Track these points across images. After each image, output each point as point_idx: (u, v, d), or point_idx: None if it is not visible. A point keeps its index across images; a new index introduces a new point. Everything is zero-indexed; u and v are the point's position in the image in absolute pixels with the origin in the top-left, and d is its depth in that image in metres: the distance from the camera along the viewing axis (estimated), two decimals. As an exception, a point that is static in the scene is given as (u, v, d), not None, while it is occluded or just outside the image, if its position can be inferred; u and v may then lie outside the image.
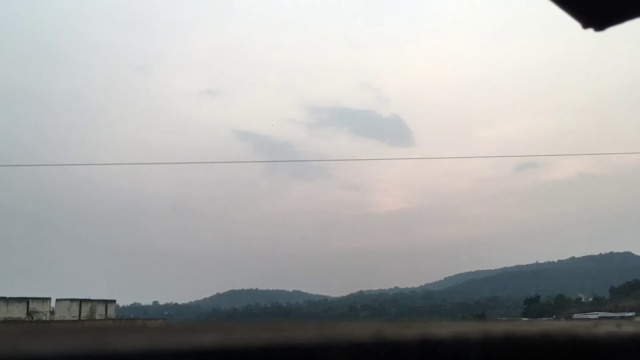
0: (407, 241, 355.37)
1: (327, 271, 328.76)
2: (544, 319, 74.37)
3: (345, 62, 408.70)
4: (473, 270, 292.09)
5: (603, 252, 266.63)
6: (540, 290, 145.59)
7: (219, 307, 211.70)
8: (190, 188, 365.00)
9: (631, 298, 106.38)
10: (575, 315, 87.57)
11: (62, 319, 27.75)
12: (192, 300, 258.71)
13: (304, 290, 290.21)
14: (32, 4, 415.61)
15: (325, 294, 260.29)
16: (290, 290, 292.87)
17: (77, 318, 28.31)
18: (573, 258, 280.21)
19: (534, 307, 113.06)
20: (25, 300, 27.83)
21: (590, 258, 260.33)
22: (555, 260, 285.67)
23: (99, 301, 30.84)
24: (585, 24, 1.26)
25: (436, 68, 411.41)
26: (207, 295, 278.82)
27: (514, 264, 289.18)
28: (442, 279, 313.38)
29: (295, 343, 0.60)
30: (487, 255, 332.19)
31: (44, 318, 27.85)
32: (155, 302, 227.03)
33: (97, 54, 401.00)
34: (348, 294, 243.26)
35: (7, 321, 24.44)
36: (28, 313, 27.32)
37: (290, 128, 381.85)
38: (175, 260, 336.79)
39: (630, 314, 78.66)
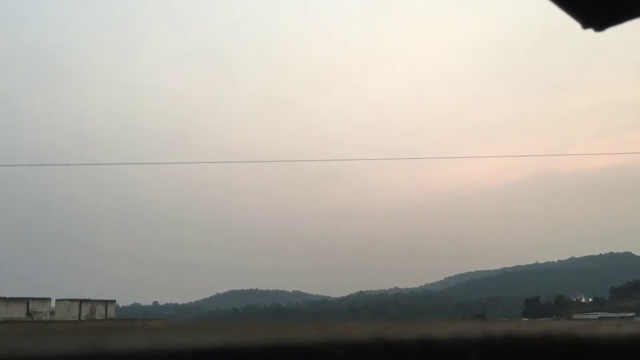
0: (407, 241, 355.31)
1: (327, 271, 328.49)
2: (544, 319, 74.37)
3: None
4: (473, 270, 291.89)
5: (603, 252, 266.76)
6: (540, 290, 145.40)
7: (219, 307, 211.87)
8: (189, 188, 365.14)
9: (631, 298, 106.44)
10: (575, 316, 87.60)
11: (62, 319, 27.68)
12: (192, 300, 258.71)
13: (304, 290, 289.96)
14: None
15: (325, 294, 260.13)
16: (290, 290, 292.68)
17: (77, 318, 28.26)
18: (573, 258, 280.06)
19: (534, 307, 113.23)
20: (25, 300, 27.77)
21: (590, 258, 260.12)
22: (555, 261, 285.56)
23: (99, 301, 30.79)
24: (585, 24, 1.27)
25: (433, 65, 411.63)
26: (207, 295, 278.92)
27: (514, 264, 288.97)
28: (442, 279, 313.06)
29: (295, 343, 0.60)
30: (487, 255, 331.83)
31: (44, 318, 27.78)
32: (155, 303, 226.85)
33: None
34: (348, 294, 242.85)
35: (7, 321, 24.40)
36: (28, 313, 27.27)
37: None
38: (175, 260, 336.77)
39: (630, 314, 78.77)
